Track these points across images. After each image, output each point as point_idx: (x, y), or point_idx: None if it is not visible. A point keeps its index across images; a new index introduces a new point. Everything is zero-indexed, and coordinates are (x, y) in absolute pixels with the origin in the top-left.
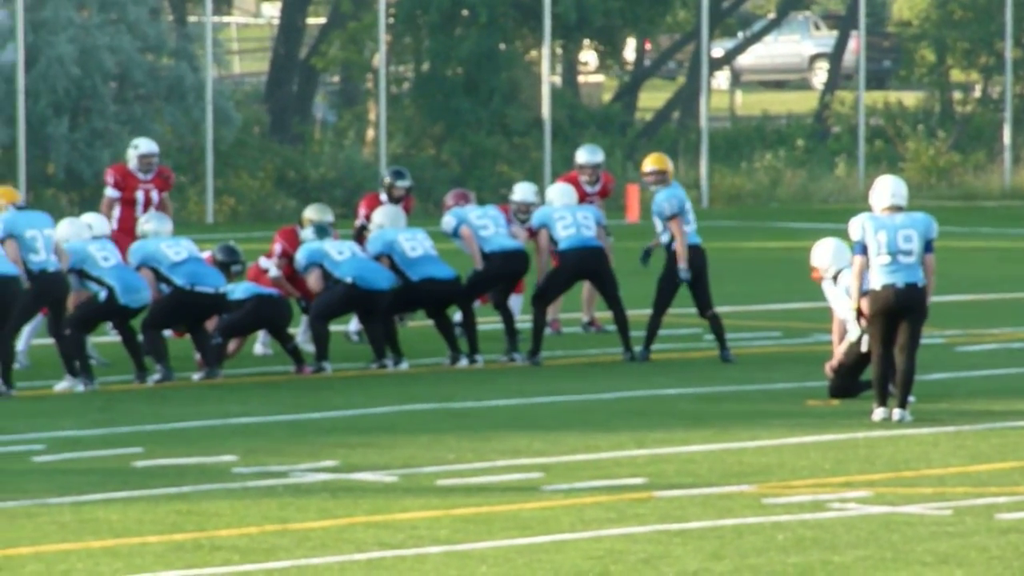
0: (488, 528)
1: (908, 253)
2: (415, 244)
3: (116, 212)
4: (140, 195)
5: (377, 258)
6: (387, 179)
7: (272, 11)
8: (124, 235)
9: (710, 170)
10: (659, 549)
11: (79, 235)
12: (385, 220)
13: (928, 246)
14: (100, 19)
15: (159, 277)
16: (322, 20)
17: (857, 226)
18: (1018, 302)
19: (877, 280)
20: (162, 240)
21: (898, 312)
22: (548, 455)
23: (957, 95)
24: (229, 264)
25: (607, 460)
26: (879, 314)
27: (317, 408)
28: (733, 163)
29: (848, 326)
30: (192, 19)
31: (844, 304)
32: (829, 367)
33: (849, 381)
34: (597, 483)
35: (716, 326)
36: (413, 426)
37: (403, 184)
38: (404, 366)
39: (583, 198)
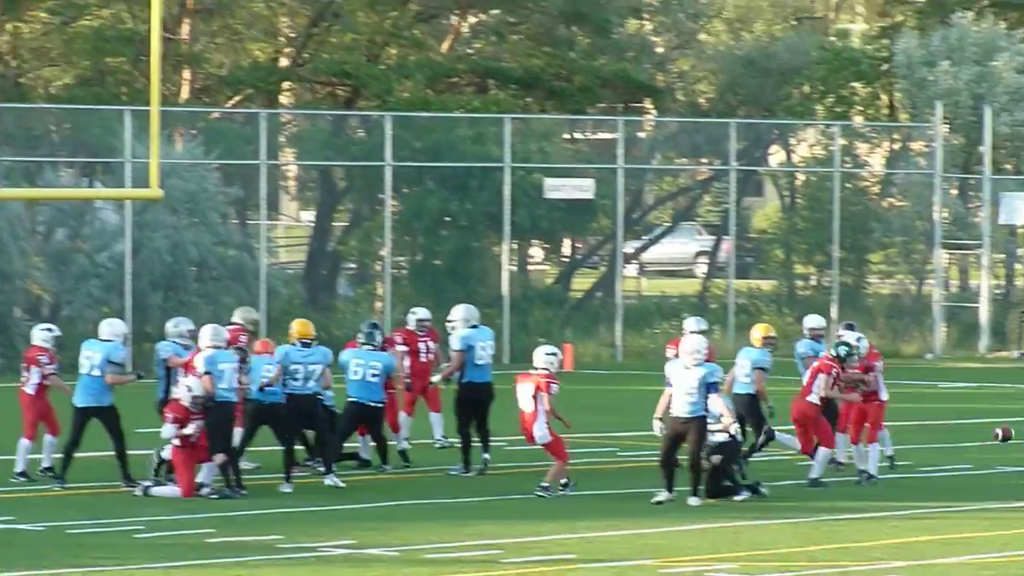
0: None
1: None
2: None
3: (406, 361)
4: (422, 346)
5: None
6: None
7: (308, 216)
8: (416, 378)
9: (623, 334)
10: None
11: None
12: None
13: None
14: (186, 221)
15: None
16: (345, 223)
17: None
18: None
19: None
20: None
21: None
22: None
23: (799, 282)
24: None
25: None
26: None
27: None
28: (640, 329)
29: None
30: (251, 222)
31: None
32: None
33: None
34: (544, 557)
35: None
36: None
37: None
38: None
39: None
